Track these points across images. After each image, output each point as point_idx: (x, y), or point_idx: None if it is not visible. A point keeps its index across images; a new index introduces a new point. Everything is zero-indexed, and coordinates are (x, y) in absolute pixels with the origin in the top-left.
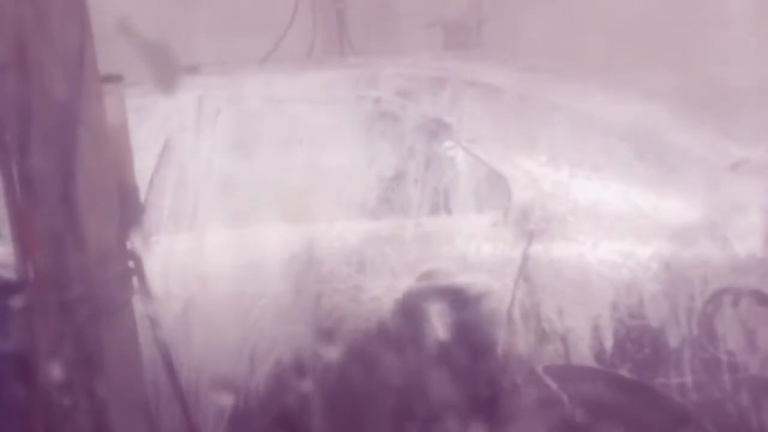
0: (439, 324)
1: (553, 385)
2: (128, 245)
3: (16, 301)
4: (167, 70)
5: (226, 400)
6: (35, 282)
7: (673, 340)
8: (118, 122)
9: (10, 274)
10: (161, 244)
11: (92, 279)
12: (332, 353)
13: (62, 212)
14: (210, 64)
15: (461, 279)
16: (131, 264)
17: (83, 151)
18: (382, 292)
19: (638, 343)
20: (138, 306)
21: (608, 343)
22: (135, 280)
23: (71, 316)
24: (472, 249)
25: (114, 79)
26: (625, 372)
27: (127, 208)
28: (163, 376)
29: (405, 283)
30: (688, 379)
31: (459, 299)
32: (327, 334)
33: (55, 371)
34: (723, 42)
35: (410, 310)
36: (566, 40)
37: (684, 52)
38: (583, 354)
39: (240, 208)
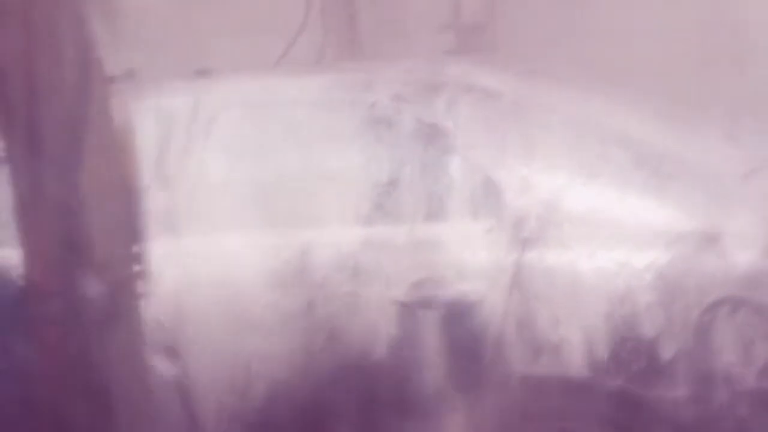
0: (432, 332)
1: (546, 396)
2: (134, 248)
3: (23, 305)
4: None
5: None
6: (42, 285)
7: (668, 352)
8: (124, 123)
9: (17, 278)
10: (155, 249)
11: (99, 282)
12: (326, 360)
13: (69, 215)
14: (221, 68)
15: (455, 287)
16: (137, 267)
17: (90, 154)
18: (375, 300)
19: (633, 355)
20: (144, 310)
21: (602, 354)
22: (141, 283)
23: (77, 319)
24: (467, 256)
25: (121, 79)
26: (619, 384)
27: (134, 211)
28: (169, 380)
29: (399, 291)
30: (684, 391)
31: (453, 307)
32: (320, 342)
33: (61, 375)
34: (737, 48)
35: (404, 318)
36: (581, 44)
37: (699, 57)
38: (577, 365)
39: (232, 214)
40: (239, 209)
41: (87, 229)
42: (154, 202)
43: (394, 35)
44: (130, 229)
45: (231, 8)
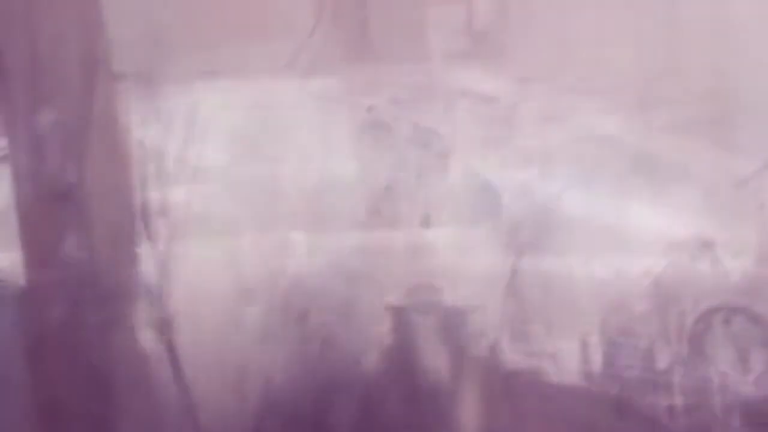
0: (428, 337)
1: (540, 403)
2: (134, 249)
3: (23, 305)
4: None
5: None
6: (42, 286)
7: (663, 360)
8: (126, 123)
9: (18, 281)
10: (154, 250)
11: (101, 284)
12: (320, 366)
13: (72, 217)
14: (227, 71)
15: (451, 292)
16: (137, 268)
17: (91, 153)
18: (371, 305)
19: (628, 362)
20: (143, 310)
21: (596, 361)
22: (140, 284)
23: (77, 320)
24: (463, 262)
25: (124, 77)
26: (614, 391)
27: (134, 212)
28: (171, 382)
29: (394, 296)
30: (678, 400)
31: (449, 313)
32: (315, 348)
33: (62, 375)
34: (737, 53)
35: (399, 323)
36: (594, 50)
37: (698, 62)
38: (571, 372)
39: (230, 216)
40: (236, 212)
41: (87, 229)
42: (153, 203)
43: (406, 40)
44: (130, 229)
45: (239, 10)
